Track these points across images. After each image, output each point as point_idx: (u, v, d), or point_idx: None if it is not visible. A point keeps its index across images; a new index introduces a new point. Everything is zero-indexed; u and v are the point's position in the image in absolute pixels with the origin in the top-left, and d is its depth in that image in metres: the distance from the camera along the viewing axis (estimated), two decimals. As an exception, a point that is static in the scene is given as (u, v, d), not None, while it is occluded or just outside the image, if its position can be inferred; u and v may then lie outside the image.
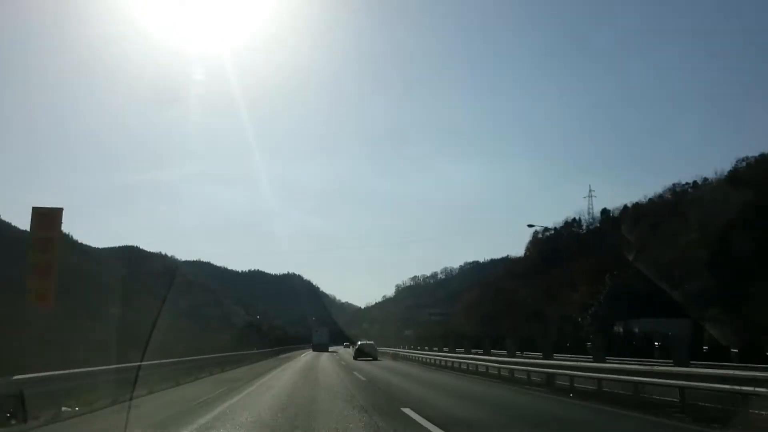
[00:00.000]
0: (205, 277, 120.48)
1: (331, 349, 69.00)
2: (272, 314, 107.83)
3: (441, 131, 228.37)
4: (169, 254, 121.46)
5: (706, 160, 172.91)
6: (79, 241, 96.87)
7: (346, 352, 59.82)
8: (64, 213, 13.63)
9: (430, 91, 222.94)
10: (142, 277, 76.17)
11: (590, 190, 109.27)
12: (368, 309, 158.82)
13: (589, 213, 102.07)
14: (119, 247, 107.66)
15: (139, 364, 14.66)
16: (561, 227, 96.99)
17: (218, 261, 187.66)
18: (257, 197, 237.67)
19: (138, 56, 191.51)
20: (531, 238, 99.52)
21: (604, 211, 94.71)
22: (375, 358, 42.52)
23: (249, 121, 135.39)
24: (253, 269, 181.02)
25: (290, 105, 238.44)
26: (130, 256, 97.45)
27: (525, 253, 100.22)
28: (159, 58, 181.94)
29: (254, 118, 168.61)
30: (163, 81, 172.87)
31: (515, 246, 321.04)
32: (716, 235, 38.34)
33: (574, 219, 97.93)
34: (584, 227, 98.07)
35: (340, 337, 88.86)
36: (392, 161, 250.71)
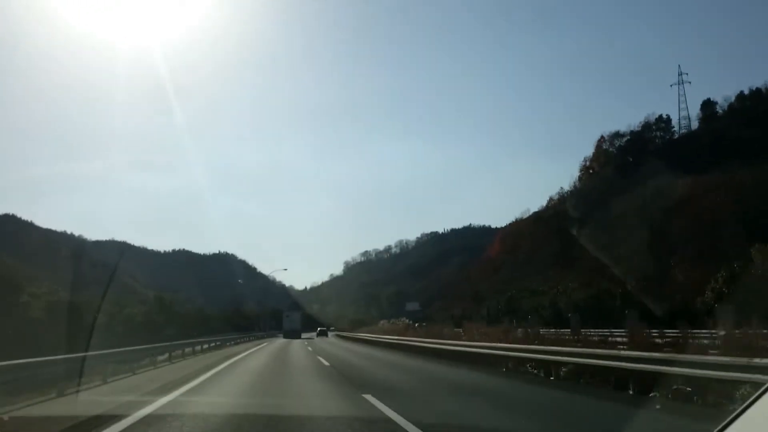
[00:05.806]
0: (115, 257, 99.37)
1: (304, 336, 59.44)
2: (199, 297, 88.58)
3: (381, 108, 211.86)
4: (76, 233, 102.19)
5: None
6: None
7: (342, 347, 35.12)
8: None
9: (369, 69, 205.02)
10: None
11: (680, 74, 79.68)
12: (315, 289, 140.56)
13: (680, 107, 78.51)
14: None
15: None
16: (639, 130, 75.86)
17: (137, 241, 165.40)
18: (187, 181, 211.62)
19: (63, 46, 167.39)
20: (594, 151, 79.82)
21: (706, 105, 73.10)
22: (327, 336, 63.68)
23: (178, 106, 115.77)
24: (178, 249, 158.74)
25: (223, 89, 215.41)
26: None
27: (579, 175, 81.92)
28: (84, 48, 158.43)
29: (184, 103, 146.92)
30: (89, 70, 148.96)
31: (476, 215, 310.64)
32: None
33: (660, 117, 76.07)
34: (675, 128, 77.20)
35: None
36: (331, 142, 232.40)
